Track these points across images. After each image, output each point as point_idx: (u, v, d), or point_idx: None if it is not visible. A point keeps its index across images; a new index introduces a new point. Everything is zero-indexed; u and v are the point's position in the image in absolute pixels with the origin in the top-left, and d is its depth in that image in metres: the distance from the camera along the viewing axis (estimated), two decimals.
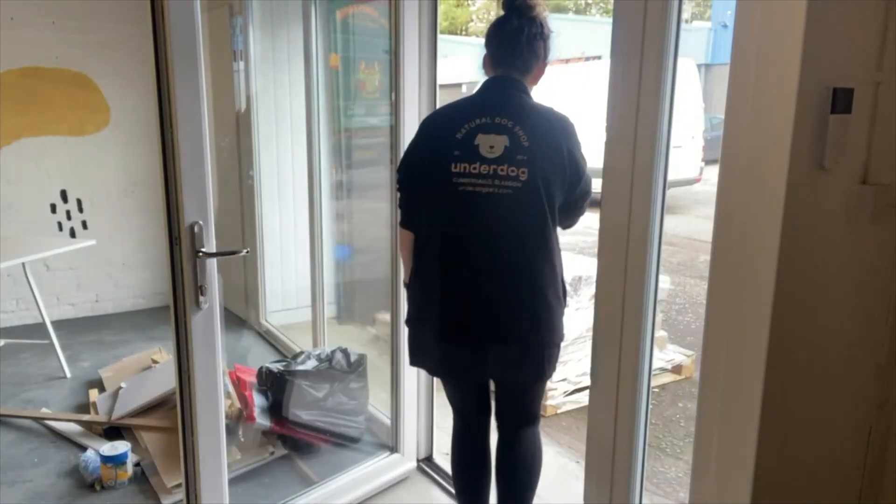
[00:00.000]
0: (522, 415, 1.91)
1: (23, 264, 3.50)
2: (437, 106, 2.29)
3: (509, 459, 1.91)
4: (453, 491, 2.39)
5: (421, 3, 2.28)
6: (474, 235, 1.72)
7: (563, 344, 1.86)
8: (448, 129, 1.73)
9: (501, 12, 1.77)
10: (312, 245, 3.61)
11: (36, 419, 3.08)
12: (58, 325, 4.01)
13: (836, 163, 1.17)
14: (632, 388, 1.60)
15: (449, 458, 2.06)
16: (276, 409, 2.75)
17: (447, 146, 1.71)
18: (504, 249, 1.70)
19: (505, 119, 1.69)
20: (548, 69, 1.81)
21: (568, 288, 1.87)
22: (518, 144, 1.67)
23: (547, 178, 1.67)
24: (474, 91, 1.83)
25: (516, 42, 1.73)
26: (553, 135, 1.70)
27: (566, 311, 1.83)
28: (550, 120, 1.73)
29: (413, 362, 1.92)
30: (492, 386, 1.95)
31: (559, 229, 1.79)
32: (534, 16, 1.74)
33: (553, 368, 1.83)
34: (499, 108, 1.70)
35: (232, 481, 1.96)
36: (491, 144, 1.68)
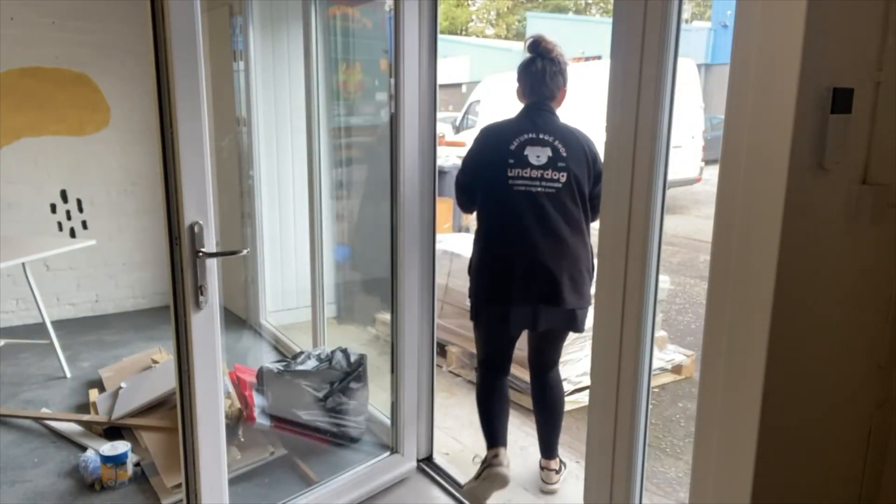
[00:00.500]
0: (551, 360, 2.56)
1: (23, 264, 3.50)
2: (437, 106, 2.41)
3: (545, 396, 2.55)
4: (454, 490, 2.48)
5: (421, 3, 2.28)
6: (529, 224, 2.26)
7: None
8: (502, 142, 2.29)
9: (527, 54, 2.37)
10: (312, 245, 3.61)
11: (36, 419, 3.08)
12: (58, 325, 4.01)
13: (836, 163, 1.17)
14: (632, 388, 1.60)
15: (449, 457, 2.56)
16: (276, 409, 2.75)
17: (503, 155, 2.27)
18: (553, 236, 2.26)
19: (547, 135, 2.27)
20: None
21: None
22: (558, 154, 2.25)
23: (579, 179, 2.26)
24: (515, 114, 2.38)
25: (542, 78, 2.30)
26: (580, 147, 2.29)
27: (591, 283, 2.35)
28: (577, 136, 2.31)
29: (475, 318, 2.46)
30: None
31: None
32: (553, 57, 2.31)
33: (584, 325, 2.37)
34: (541, 127, 2.28)
35: (232, 481, 1.96)
36: (538, 154, 2.26)
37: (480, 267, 2.38)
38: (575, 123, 2.33)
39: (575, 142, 2.28)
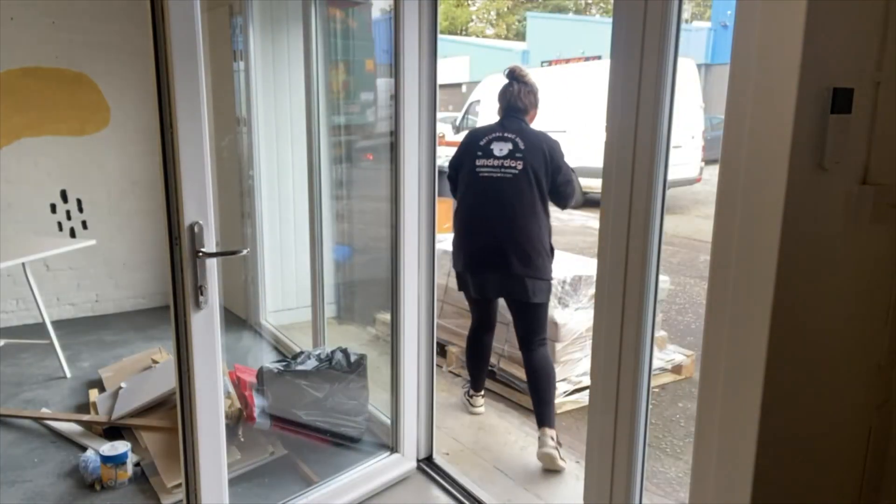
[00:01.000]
0: (530, 338, 2.86)
1: (23, 264, 3.50)
2: (437, 106, 2.43)
3: (530, 373, 2.89)
4: (454, 490, 2.48)
5: (421, 3, 2.28)
6: (488, 202, 2.77)
7: (553, 283, 2.98)
8: (476, 140, 2.86)
9: (504, 79, 2.89)
10: (312, 245, 3.61)
11: (36, 419, 3.08)
12: (58, 325, 4.01)
13: (836, 163, 1.17)
14: (632, 388, 1.60)
15: (449, 457, 2.75)
16: (276, 409, 2.75)
17: (474, 149, 2.84)
18: (506, 213, 2.73)
19: (510, 134, 2.79)
20: (538, 112, 2.91)
21: (555, 248, 2.85)
22: (517, 147, 2.76)
23: (535, 168, 2.73)
24: (494, 122, 2.91)
25: (517, 96, 2.84)
26: (539, 143, 2.76)
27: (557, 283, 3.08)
28: (538, 135, 2.80)
29: (459, 288, 3.01)
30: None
31: (558, 208, 2.87)
32: (526, 80, 2.87)
33: (541, 296, 2.79)
34: (507, 128, 2.82)
35: (232, 481, 1.96)
36: (501, 147, 2.79)
37: (455, 242, 2.94)
38: (543, 129, 2.84)
39: (535, 139, 2.76)
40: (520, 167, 2.71)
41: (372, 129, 4.07)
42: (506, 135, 2.78)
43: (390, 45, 2.34)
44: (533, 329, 2.85)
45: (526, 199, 2.70)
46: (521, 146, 2.74)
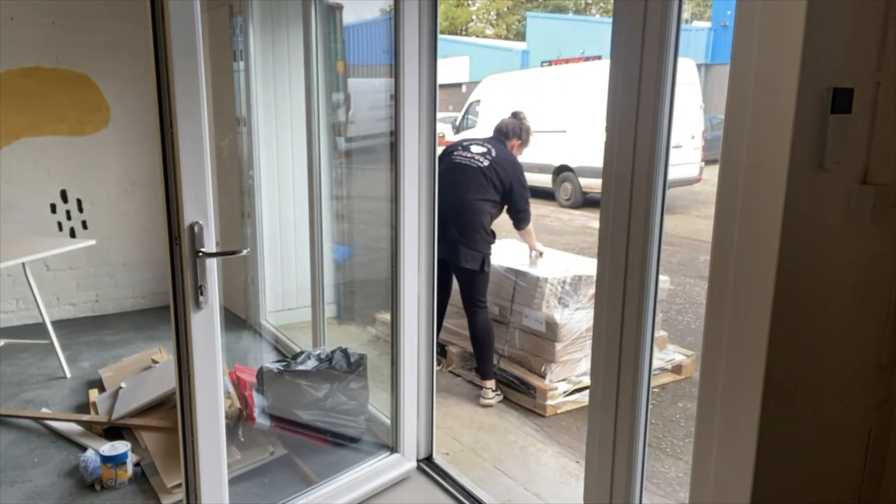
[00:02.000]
0: (467, 302, 3.48)
1: (23, 264, 3.50)
2: (437, 106, 2.43)
3: (471, 335, 3.51)
4: (454, 490, 2.50)
5: (421, 3, 2.28)
6: (454, 184, 3.37)
7: (489, 268, 3.50)
8: (461, 142, 3.61)
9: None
10: (312, 245, 3.61)
11: (36, 419, 3.08)
12: (58, 325, 4.01)
13: (836, 163, 1.17)
14: (632, 388, 1.60)
15: (449, 457, 2.73)
16: (276, 409, 2.75)
17: (456, 147, 3.57)
18: (463, 191, 3.39)
19: (489, 145, 3.55)
20: (524, 144, 3.69)
21: (495, 232, 3.51)
22: (489, 153, 3.50)
23: (497, 171, 3.43)
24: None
25: (506, 125, 3.65)
26: (509, 158, 3.53)
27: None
28: (508, 155, 3.55)
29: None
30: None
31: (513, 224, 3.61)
32: (520, 118, 3.69)
33: (471, 264, 3.37)
34: (488, 141, 3.59)
35: (232, 481, 1.96)
36: (476, 147, 3.54)
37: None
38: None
39: (507, 155, 3.52)
40: (486, 164, 3.42)
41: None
42: (485, 144, 3.54)
43: (390, 45, 2.34)
44: (469, 294, 3.44)
45: (481, 186, 3.39)
46: (493, 154, 3.47)
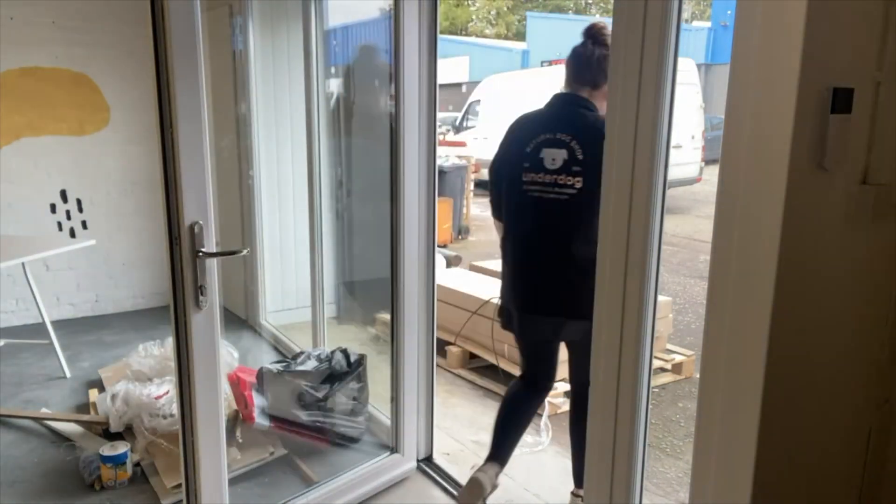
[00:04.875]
0: (582, 378, 2.08)
1: (23, 264, 3.49)
2: (437, 106, 2.41)
3: (579, 417, 2.22)
4: (454, 490, 2.48)
5: (421, 3, 2.28)
6: (538, 232, 2.18)
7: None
8: (522, 142, 2.17)
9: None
10: (312, 245, 3.61)
11: (36, 419, 3.08)
12: (58, 325, 4.00)
13: (836, 163, 1.17)
14: (632, 388, 1.59)
15: (449, 457, 2.63)
16: (276, 410, 2.75)
17: (520, 158, 2.16)
18: (558, 243, 2.13)
19: (564, 135, 2.08)
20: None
21: None
22: (574, 157, 2.06)
23: (599, 185, 1.74)
24: (545, 105, 2.22)
25: (588, 62, 2.11)
26: (595, 138, 1.79)
27: None
28: (601, 133, 1.74)
29: (503, 326, 2.40)
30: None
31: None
32: (606, 42, 2.07)
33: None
34: (560, 125, 2.11)
35: (232, 481, 1.96)
36: (553, 157, 2.10)
37: (503, 272, 2.35)
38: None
39: (597, 142, 1.76)
40: (578, 185, 2.04)
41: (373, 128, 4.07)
42: (559, 136, 2.09)
43: (390, 45, 2.34)
44: (579, 364, 2.33)
45: (583, 225, 2.03)
46: (579, 155, 2.05)
